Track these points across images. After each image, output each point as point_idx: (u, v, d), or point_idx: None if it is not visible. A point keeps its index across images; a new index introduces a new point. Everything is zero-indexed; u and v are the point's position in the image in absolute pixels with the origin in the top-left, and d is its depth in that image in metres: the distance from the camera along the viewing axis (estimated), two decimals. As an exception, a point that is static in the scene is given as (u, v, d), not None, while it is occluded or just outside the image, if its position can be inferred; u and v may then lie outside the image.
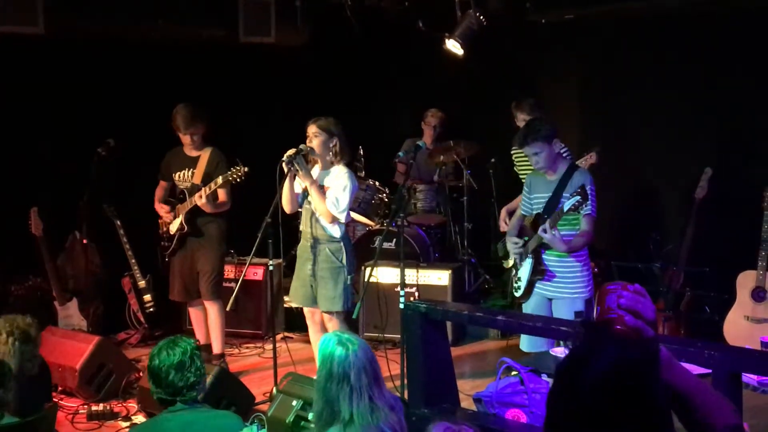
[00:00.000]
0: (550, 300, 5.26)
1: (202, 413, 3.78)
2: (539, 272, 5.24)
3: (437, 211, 8.26)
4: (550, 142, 5.10)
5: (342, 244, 5.65)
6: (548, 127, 5.19)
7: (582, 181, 5.07)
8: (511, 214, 6.30)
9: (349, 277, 5.66)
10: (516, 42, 8.29)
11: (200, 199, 6.12)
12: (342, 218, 5.60)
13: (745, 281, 6.23)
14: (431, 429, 2.68)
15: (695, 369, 4.18)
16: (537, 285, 5.28)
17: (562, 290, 5.18)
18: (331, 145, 5.59)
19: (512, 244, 5.47)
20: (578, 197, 4.88)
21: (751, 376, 5.39)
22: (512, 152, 6.58)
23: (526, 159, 5.97)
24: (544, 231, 5.01)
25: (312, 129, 5.58)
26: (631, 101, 7.70)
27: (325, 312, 5.67)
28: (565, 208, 4.95)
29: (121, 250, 7.18)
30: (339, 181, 5.56)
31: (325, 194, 5.54)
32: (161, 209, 6.46)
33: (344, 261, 5.63)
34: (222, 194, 6.24)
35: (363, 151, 7.80)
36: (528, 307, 5.38)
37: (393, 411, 3.57)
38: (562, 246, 5.02)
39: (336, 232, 5.63)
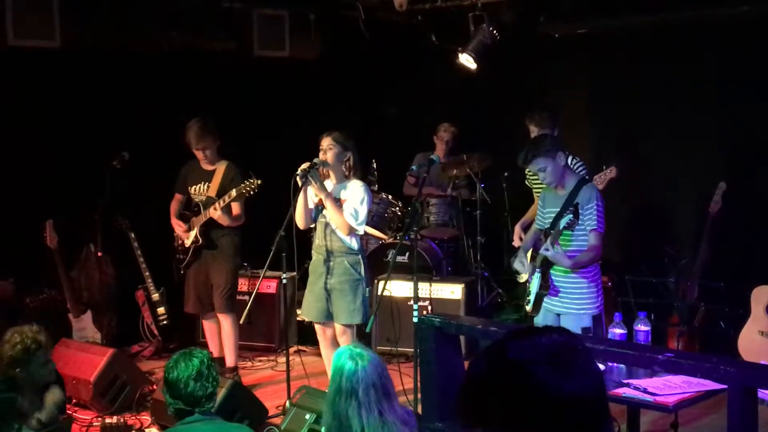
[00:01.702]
0: (558, 315, 5.24)
1: (217, 425, 3.80)
2: (545, 287, 5.22)
3: (450, 224, 8.26)
4: (553, 157, 5.06)
5: (360, 256, 5.67)
6: (549, 142, 5.16)
7: (588, 196, 5.05)
8: (525, 229, 6.29)
9: (367, 289, 5.67)
10: (529, 56, 8.30)
11: (215, 212, 6.15)
12: (360, 230, 5.62)
13: (760, 296, 6.21)
14: None
15: (710, 384, 4.16)
16: (545, 300, 5.26)
17: (568, 306, 5.15)
18: (344, 159, 5.60)
19: (519, 263, 5.46)
20: (571, 215, 4.87)
21: (766, 391, 5.36)
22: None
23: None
24: (546, 249, 5.00)
25: (326, 141, 5.59)
26: (644, 115, 7.70)
27: (342, 325, 5.67)
28: (561, 227, 4.94)
29: (135, 263, 7.20)
30: (356, 194, 5.57)
31: (341, 207, 5.55)
32: (178, 227, 6.49)
33: (363, 273, 5.64)
34: (236, 208, 6.26)
35: (376, 164, 7.81)
36: (537, 323, 5.37)
37: (406, 426, 3.57)
38: (567, 261, 5.00)
39: (354, 244, 5.64)
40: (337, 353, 3.67)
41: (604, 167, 6.01)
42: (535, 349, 1.60)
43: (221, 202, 6.13)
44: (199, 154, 6.35)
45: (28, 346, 4.36)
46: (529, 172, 6.52)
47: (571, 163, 5.63)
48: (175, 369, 3.73)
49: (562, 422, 1.57)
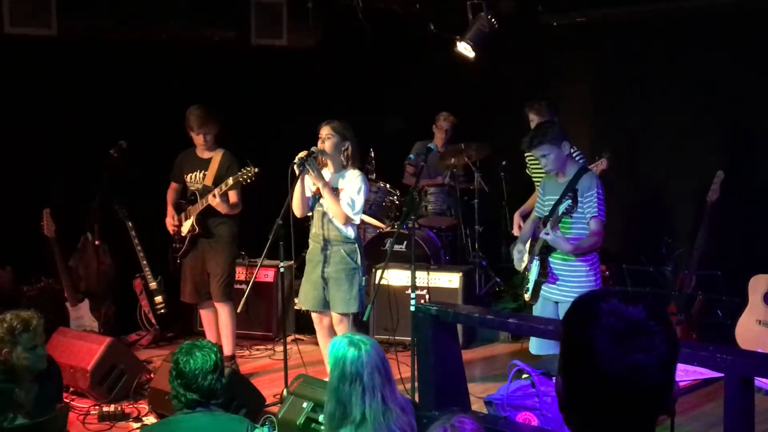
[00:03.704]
0: (557, 303, 5.24)
1: (216, 416, 3.79)
2: (544, 274, 5.23)
3: (448, 213, 8.25)
4: (558, 144, 5.08)
5: (356, 245, 5.66)
6: (556, 129, 5.17)
7: (588, 184, 5.06)
8: (524, 217, 6.29)
9: (363, 278, 5.67)
10: (527, 45, 8.28)
11: (214, 199, 6.12)
12: (357, 219, 5.62)
13: (757, 285, 6.22)
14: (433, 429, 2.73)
15: (707, 373, 4.17)
16: (543, 288, 5.26)
17: (566, 293, 5.13)
18: (342, 149, 5.59)
19: (517, 252, 5.46)
20: (569, 201, 4.88)
21: (763, 380, 5.37)
22: (526, 155, 6.56)
23: (538, 161, 5.96)
24: (546, 234, 5.00)
25: (325, 130, 5.58)
26: (643, 104, 7.69)
27: (339, 313, 5.67)
28: (560, 212, 4.94)
29: (132, 252, 7.20)
30: (353, 183, 5.56)
31: (338, 196, 5.54)
32: (169, 218, 6.47)
33: (359, 262, 5.64)
34: (233, 196, 6.25)
35: (374, 153, 7.80)
36: (536, 311, 5.37)
37: (404, 412, 3.58)
38: (567, 246, 5.00)
39: (351, 233, 5.64)
40: (334, 343, 3.66)
41: (596, 158, 6.03)
42: (604, 316, 1.65)
43: (218, 190, 6.12)
44: (199, 140, 6.33)
45: (14, 327, 4.32)
46: (529, 160, 6.52)
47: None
48: (192, 361, 3.66)
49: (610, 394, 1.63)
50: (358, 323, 6.05)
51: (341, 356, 3.53)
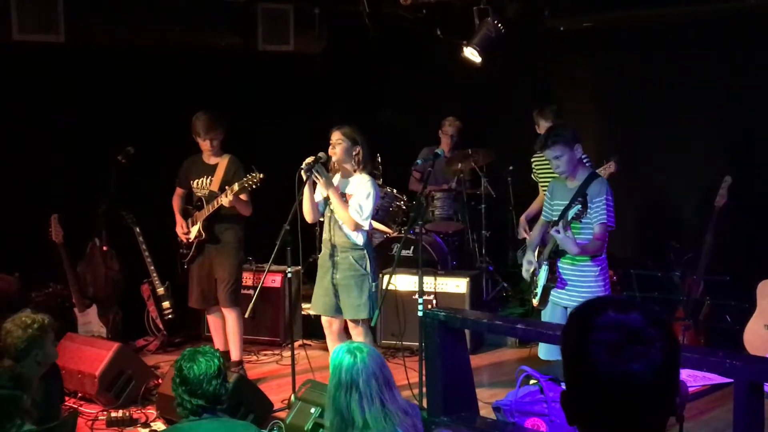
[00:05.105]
0: (566, 308, 5.23)
1: (223, 422, 3.79)
2: (552, 279, 5.22)
3: (455, 218, 8.26)
4: (571, 147, 5.09)
5: (365, 251, 5.65)
6: (570, 132, 5.19)
7: (597, 189, 5.05)
8: (530, 220, 6.29)
9: (373, 284, 5.66)
10: (534, 49, 8.28)
11: (227, 198, 6.07)
12: (366, 225, 5.60)
13: (765, 290, 6.19)
14: None
15: (716, 378, 4.16)
16: (552, 293, 5.25)
17: (575, 299, 5.11)
18: (353, 153, 5.59)
19: (526, 263, 5.45)
20: (579, 206, 4.88)
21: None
22: (532, 159, 6.57)
23: (546, 166, 5.96)
24: (557, 231, 4.99)
25: (336, 136, 5.59)
26: (650, 108, 7.68)
27: (351, 320, 5.66)
28: (570, 217, 4.94)
29: (140, 257, 7.21)
30: (362, 188, 5.56)
31: (348, 202, 5.54)
32: (179, 227, 6.48)
33: (368, 268, 5.63)
34: (243, 197, 6.25)
35: (380, 158, 7.81)
36: (545, 316, 5.36)
37: (407, 415, 3.57)
38: (575, 248, 4.98)
39: (359, 239, 5.63)
40: (334, 351, 3.67)
41: (604, 161, 6.03)
42: (599, 327, 1.65)
43: (224, 196, 6.11)
44: (206, 145, 6.34)
45: (43, 324, 4.39)
46: (535, 165, 6.53)
47: (579, 157, 5.64)
48: (195, 367, 3.68)
49: (610, 402, 1.62)
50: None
51: (338, 364, 3.54)
